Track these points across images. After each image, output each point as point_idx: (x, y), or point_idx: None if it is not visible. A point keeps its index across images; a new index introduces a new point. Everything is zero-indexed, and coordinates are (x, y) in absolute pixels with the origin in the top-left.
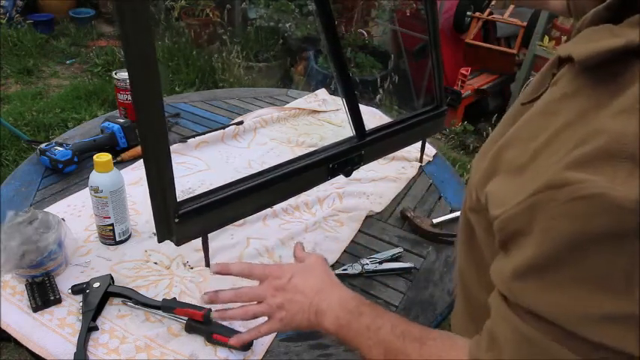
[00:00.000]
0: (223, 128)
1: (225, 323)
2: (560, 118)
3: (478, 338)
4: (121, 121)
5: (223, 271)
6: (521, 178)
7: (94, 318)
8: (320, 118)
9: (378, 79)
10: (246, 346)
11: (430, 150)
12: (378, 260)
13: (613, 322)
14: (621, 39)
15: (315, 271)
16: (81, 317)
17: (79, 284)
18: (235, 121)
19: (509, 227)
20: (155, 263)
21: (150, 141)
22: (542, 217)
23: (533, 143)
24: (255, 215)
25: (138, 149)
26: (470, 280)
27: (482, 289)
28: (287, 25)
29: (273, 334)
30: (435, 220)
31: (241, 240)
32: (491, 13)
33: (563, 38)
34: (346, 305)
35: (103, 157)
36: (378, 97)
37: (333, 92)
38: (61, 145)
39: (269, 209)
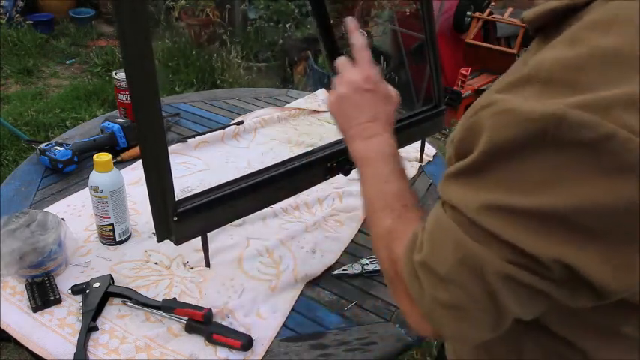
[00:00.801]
0: (223, 128)
1: (225, 323)
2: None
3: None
4: (121, 121)
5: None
6: None
7: (94, 318)
8: (320, 118)
9: None
10: (246, 346)
11: (430, 150)
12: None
13: (508, 215)
14: (563, 1)
15: (389, 104)
16: (81, 317)
17: (79, 284)
18: (235, 121)
19: (461, 151)
20: (155, 263)
21: (148, 140)
22: (473, 133)
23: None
24: (255, 215)
25: (138, 149)
26: None
27: None
28: (287, 25)
29: (273, 335)
30: None
31: (241, 240)
32: (491, 13)
33: None
34: (383, 148)
35: (103, 157)
36: None
37: None
38: (61, 145)
39: (269, 209)
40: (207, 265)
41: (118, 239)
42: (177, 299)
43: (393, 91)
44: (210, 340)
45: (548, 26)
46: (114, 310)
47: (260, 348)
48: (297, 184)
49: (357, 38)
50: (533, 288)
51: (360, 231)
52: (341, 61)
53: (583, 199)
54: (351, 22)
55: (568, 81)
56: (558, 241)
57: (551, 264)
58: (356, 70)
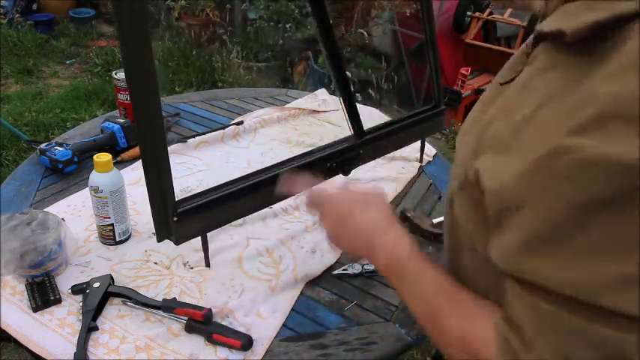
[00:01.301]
0: (223, 128)
1: (225, 323)
2: (541, 90)
3: (501, 325)
4: (121, 121)
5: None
6: (511, 152)
7: (94, 318)
8: (320, 118)
9: (378, 79)
10: (246, 346)
11: (430, 150)
12: None
13: (624, 286)
14: (604, 12)
15: (373, 207)
16: (81, 317)
17: (79, 284)
18: (235, 121)
19: (505, 200)
20: (155, 263)
21: (148, 140)
22: (544, 186)
23: (516, 117)
24: (255, 215)
25: (138, 149)
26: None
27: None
28: (287, 25)
29: (273, 335)
30: (435, 220)
31: (241, 240)
32: (491, 13)
33: None
34: (397, 251)
35: (103, 157)
36: (378, 97)
37: (333, 92)
38: (61, 145)
39: (269, 209)
40: (207, 265)
41: (118, 239)
42: (177, 299)
43: (363, 187)
44: (210, 340)
45: (581, 40)
46: (114, 310)
47: (260, 348)
48: None
49: (308, 195)
50: None
51: None
52: (311, 209)
53: None
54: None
55: None
56: None
57: None
58: (327, 205)
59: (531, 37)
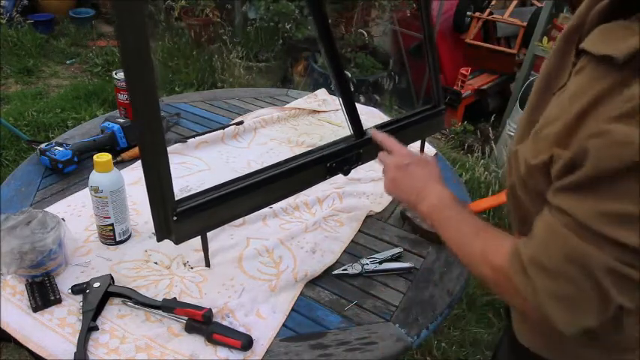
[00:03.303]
0: (223, 128)
1: (225, 323)
2: (590, 94)
3: (519, 242)
4: (121, 121)
5: (376, 136)
6: (570, 135)
7: (94, 318)
8: (320, 118)
9: (378, 79)
10: (246, 346)
11: (430, 150)
12: (378, 260)
13: (623, 222)
14: None
15: (427, 167)
16: (81, 317)
17: (79, 284)
18: (235, 121)
19: (568, 167)
20: (155, 263)
21: (146, 139)
22: (587, 156)
23: (568, 116)
24: (254, 215)
25: (138, 149)
26: None
27: None
28: (287, 25)
29: (273, 335)
30: None
31: (241, 240)
32: (491, 13)
33: None
34: (441, 199)
35: (103, 157)
36: (378, 96)
37: (332, 92)
38: (61, 145)
39: (269, 209)
40: (207, 265)
41: (118, 239)
42: (178, 299)
43: (426, 156)
44: (210, 340)
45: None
46: (114, 310)
47: (260, 348)
48: (297, 184)
49: (377, 135)
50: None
51: (359, 231)
52: (381, 155)
53: None
54: (375, 134)
55: None
56: None
57: None
58: (393, 156)
59: (575, 48)
